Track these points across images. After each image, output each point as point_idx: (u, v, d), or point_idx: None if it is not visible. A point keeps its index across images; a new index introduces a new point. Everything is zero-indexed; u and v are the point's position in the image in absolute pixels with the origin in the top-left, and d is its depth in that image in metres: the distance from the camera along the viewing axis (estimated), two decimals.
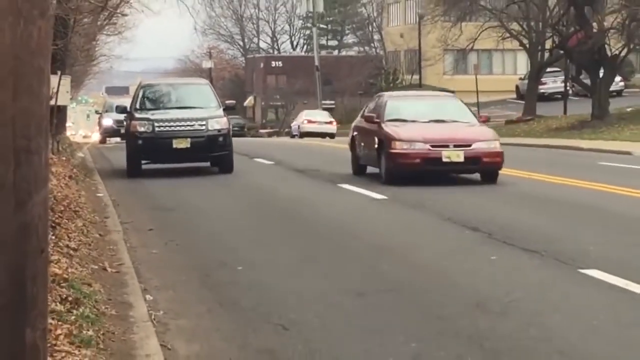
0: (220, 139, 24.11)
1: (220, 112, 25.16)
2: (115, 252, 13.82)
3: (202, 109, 24.94)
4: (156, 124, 23.89)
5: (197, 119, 24.09)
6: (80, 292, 9.97)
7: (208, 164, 26.07)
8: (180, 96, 26.12)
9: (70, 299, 9.43)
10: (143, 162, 24.90)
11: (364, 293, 10.77)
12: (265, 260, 13.36)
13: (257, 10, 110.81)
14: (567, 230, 15.37)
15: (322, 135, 65.02)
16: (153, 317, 9.84)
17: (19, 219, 3.74)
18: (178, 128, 23.84)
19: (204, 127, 23.94)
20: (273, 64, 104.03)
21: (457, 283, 11.35)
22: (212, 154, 24.63)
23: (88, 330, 8.59)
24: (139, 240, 15.49)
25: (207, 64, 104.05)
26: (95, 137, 67.38)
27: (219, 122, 24.36)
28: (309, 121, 69.44)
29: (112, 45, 50.57)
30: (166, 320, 9.85)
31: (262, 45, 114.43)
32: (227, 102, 27.29)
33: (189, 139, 23.66)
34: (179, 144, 23.64)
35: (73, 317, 8.83)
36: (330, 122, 69.92)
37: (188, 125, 23.89)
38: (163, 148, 23.72)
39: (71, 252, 12.47)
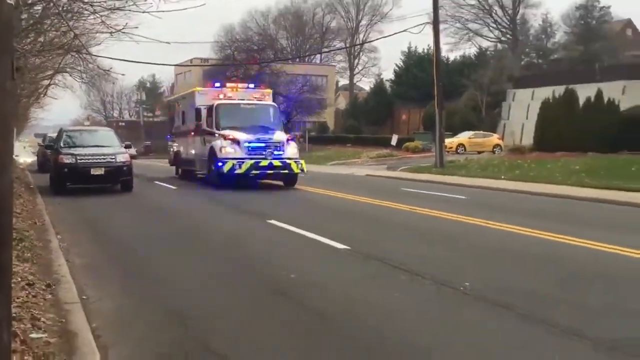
0: (125, 168, 21.28)
1: (124, 150, 22.18)
2: (41, 215, 13.99)
3: (110, 147, 21.90)
4: (78, 157, 20.89)
5: (108, 154, 21.22)
6: (22, 234, 10.19)
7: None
8: (94, 138, 22.95)
9: (17, 238, 9.46)
10: (67, 183, 21.34)
11: (215, 274, 8.57)
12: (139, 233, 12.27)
13: (112, 98, 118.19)
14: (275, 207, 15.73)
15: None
16: (61, 246, 9.99)
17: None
18: (95, 160, 20.99)
19: (113, 160, 21.11)
20: (121, 124, 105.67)
21: (258, 255, 9.71)
22: (118, 179, 21.49)
23: (27, 253, 8.88)
24: (53, 209, 15.60)
25: (87, 124, 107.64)
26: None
27: (123, 156, 21.47)
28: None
29: (37, 113, 52.21)
30: (69, 249, 9.99)
31: (115, 115, 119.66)
32: (125, 143, 23.87)
33: (103, 168, 20.92)
34: (96, 171, 20.84)
35: (19, 247, 8.99)
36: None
37: (102, 158, 21.05)
38: (83, 174, 20.79)
39: (17, 214, 12.48)
